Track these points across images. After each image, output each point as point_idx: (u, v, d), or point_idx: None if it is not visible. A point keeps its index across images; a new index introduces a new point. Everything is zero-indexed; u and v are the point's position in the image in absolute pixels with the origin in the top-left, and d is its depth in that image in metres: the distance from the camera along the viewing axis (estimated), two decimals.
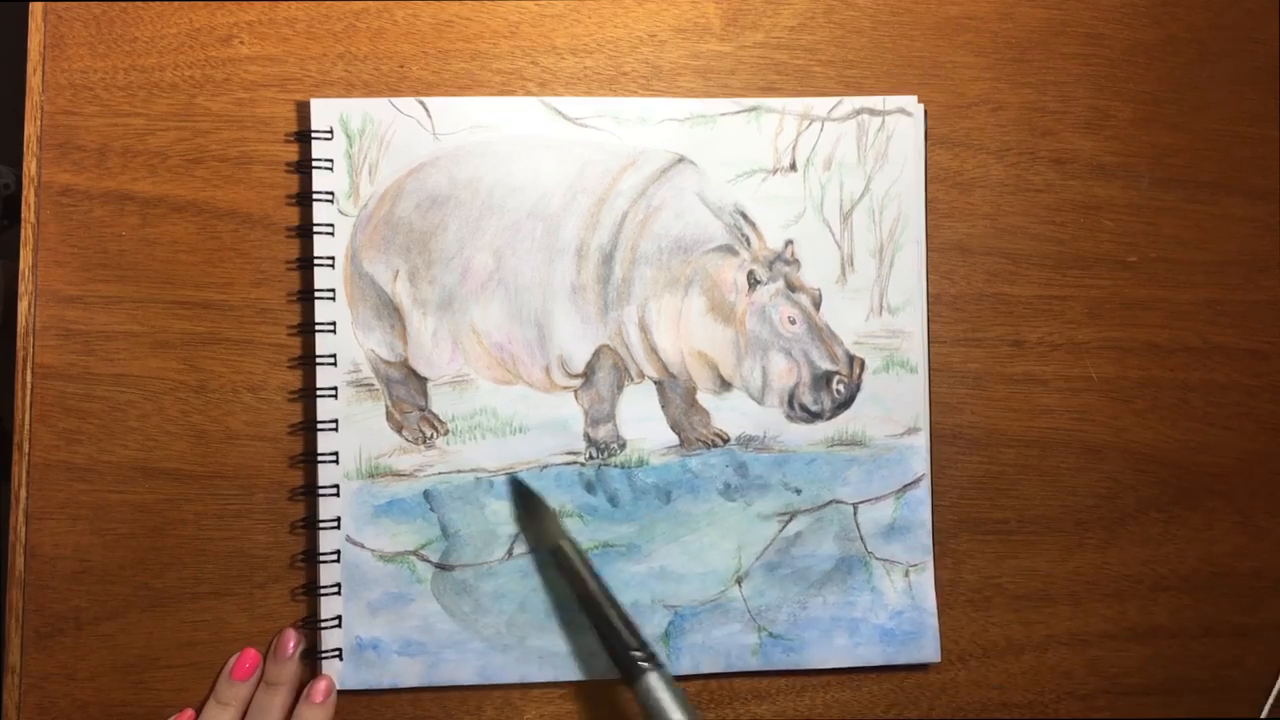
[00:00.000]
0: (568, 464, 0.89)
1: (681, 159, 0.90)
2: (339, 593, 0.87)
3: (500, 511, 0.89)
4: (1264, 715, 0.85)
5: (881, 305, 0.91)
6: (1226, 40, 0.97)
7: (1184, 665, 0.95)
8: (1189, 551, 0.95)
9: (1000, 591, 0.93)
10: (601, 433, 0.90)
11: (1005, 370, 0.94)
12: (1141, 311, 0.96)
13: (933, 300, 0.93)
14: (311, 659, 0.88)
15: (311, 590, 0.88)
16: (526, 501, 0.89)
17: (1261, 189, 0.97)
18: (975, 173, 0.94)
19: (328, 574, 0.87)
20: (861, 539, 0.91)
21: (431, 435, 0.88)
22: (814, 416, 0.91)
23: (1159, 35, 0.97)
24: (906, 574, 0.91)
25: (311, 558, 0.88)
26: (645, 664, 0.83)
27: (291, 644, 0.86)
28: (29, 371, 0.87)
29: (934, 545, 0.92)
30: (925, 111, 0.93)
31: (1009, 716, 0.93)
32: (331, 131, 0.89)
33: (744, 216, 0.91)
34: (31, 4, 0.89)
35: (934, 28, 0.95)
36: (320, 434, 0.88)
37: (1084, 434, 0.95)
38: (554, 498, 0.89)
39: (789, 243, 0.91)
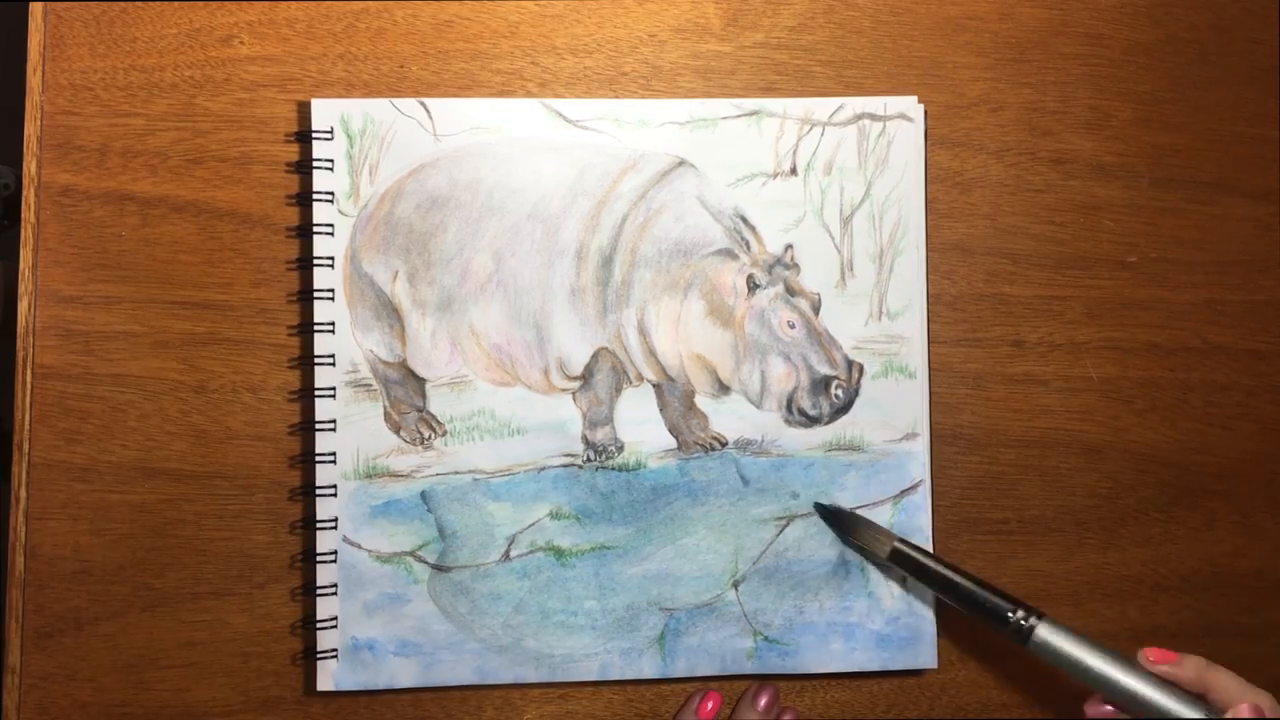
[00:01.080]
0: (565, 466, 0.89)
1: (682, 162, 0.90)
2: (335, 593, 0.87)
3: (497, 513, 0.89)
4: None
5: (881, 310, 0.91)
6: (1226, 40, 0.97)
7: None
8: (1189, 552, 0.95)
9: None
10: (599, 435, 0.90)
11: (1005, 370, 0.94)
12: (1141, 311, 0.95)
13: (932, 300, 0.93)
14: (308, 659, 0.88)
15: (309, 591, 0.88)
16: (841, 522, 0.90)
17: (1261, 189, 0.97)
18: (975, 173, 0.94)
19: (324, 574, 0.87)
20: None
21: (429, 436, 0.88)
22: (812, 421, 0.91)
23: (1159, 35, 0.97)
24: (904, 579, 0.91)
25: (309, 558, 0.88)
26: (1029, 620, 0.84)
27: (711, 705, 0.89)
28: (29, 371, 0.87)
29: (934, 547, 0.92)
30: (925, 112, 0.93)
31: (1009, 716, 0.93)
32: (332, 132, 0.88)
33: (744, 220, 0.90)
34: (31, 4, 0.89)
35: (934, 28, 0.95)
36: (318, 434, 0.88)
37: (1084, 434, 0.95)
38: (551, 499, 0.89)
39: (789, 247, 0.91)
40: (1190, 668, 0.80)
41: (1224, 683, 0.79)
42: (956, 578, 0.87)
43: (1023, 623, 0.84)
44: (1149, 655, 0.81)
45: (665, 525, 0.90)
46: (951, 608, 0.90)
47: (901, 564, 0.89)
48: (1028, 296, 0.94)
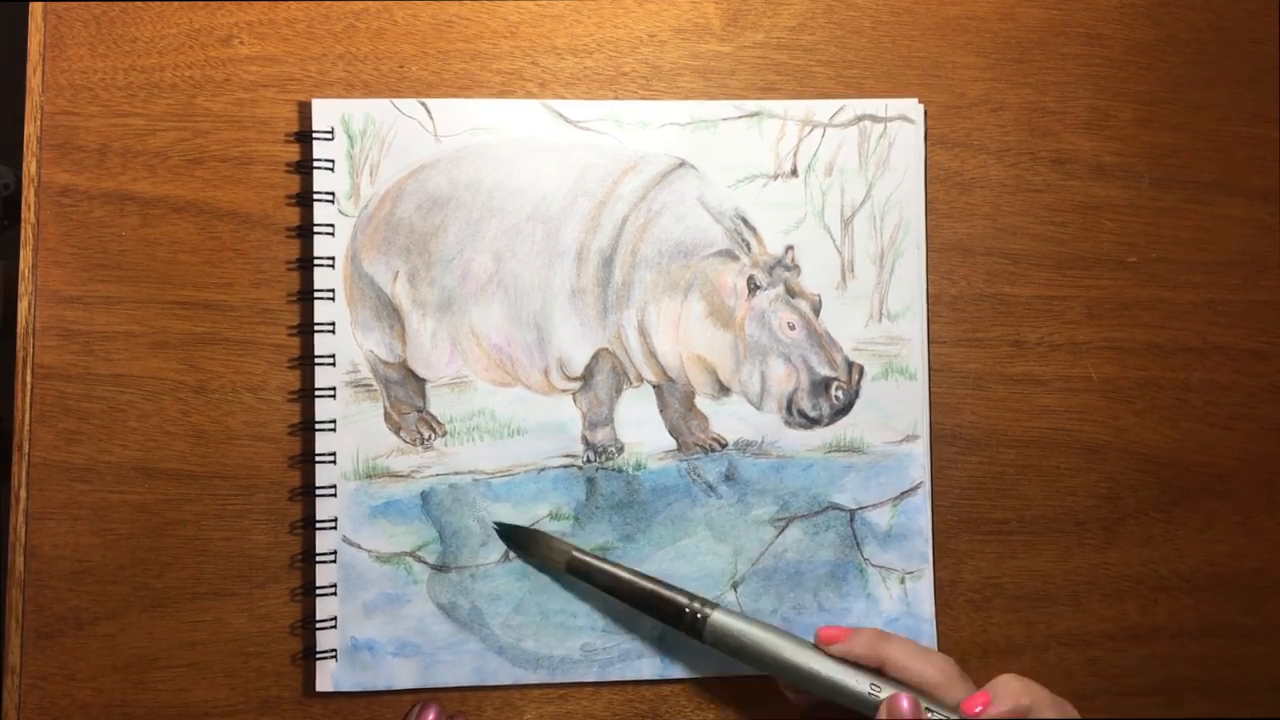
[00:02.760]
0: (565, 466, 0.89)
1: (682, 163, 0.90)
2: (335, 593, 0.87)
3: (497, 513, 0.89)
4: None
5: (881, 312, 0.91)
6: (1226, 40, 0.97)
7: (1184, 665, 0.95)
8: (1189, 551, 0.95)
9: (1000, 592, 0.93)
10: (599, 436, 0.90)
11: (1005, 370, 0.94)
12: (1141, 311, 0.95)
13: (933, 301, 0.93)
14: (307, 660, 0.88)
15: (309, 591, 0.88)
16: (518, 539, 0.90)
17: (1261, 189, 0.97)
18: (975, 173, 0.94)
19: (324, 574, 0.87)
20: (858, 546, 0.92)
21: (429, 436, 0.88)
22: (812, 422, 0.91)
23: (1159, 35, 0.97)
24: (902, 581, 0.91)
25: (309, 558, 0.88)
26: (703, 611, 0.84)
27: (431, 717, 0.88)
28: (29, 371, 0.87)
29: (933, 548, 0.92)
30: (925, 112, 0.93)
31: None
32: (333, 132, 0.89)
33: (744, 221, 0.91)
34: (31, 4, 0.89)
35: (934, 28, 0.95)
36: (318, 434, 0.88)
37: (1084, 434, 0.95)
38: (551, 500, 0.90)
39: (789, 248, 0.91)
40: (862, 643, 0.82)
41: (896, 654, 0.81)
42: (631, 578, 0.87)
43: (697, 615, 0.84)
44: (821, 634, 0.83)
45: (665, 526, 0.90)
46: (950, 612, 0.90)
47: (578, 573, 0.88)
48: (1028, 296, 0.94)
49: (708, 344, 0.90)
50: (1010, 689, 0.78)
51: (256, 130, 0.89)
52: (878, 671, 0.81)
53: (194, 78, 0.89)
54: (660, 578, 0.87)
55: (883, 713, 0.78)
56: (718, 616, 0.84)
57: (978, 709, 0.77)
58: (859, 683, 0.80)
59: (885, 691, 0.79)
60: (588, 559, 0.88)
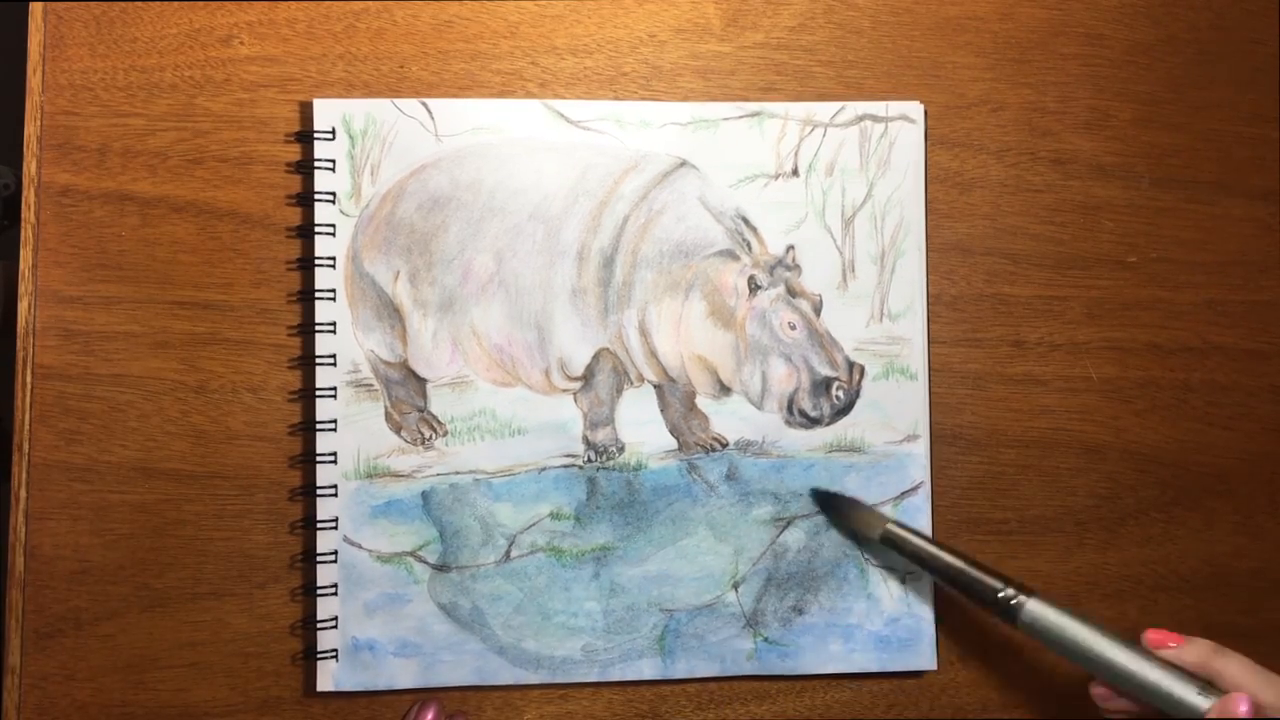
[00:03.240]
0: (566, 466, 0.89)
1: (683, 163, 0.90)
2: (336, 593, 0.87)
3: (498, 513, 0.89)
4: None
5: (882, 311, 0.91)
6: (1226, 40, 0.97)
7: None
8: (1189, 551, 0.95)
9: None
10: (600, 436, 0.90)
11: (1005, 370, 0.94)
12: (1141, 312, 0.95)
13: (933, 301, 0.93)
14: (308, 660, 0.88)
15: (310, 591, 0.88)
16: (836, 506, 0.91)
17: (1261, 189, 0.97)
18: (975, 173, 0.94)
19: (325, 574, 0.87)
20: (859, 544, 0.92)
21: (430, 436, 0.88)
22: (813, 422, 0.91)
23: (1159, 35, 0.97)
24: (903, 581, 0.91)
25: (310, 558, 0.88)
26: (1018, 597, 0.83)
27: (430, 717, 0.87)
28: (29, 371, 0.87)
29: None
30: (925, 112, 0.93)
31: (1009, 716, 0.93)
32: (333, 132, 0.88)
33: (745, 221, 0.91)
34: (31, 4, 0.89)
35: (934, 28, 0.95)
36: (319, 434, 0.88)
37: (1084, 434, 0.95)
38: (552, 500, 0.89)
39: (790, 248, 0.91)
40: (1195, 652, 0.79)
41: (1233, 669, 0.77)
42: (948, 556, 0.87)
43: (1011, 600, 0.83)
44: (1150, 637, 0.80)
45: (666, 526, 0.90)
46: (950, 609, 0.90)
47: (893, 545, 0.89)
48: (1028, 296, 0.94)
49: (709, 344, 0.90)
50: None
51: (257, 130, 0.89)
52: (1207, 683, 0.78)
53: (194, 78, 0.89)
54: (982, 562, 0.87)
55: (1215, 710, 0.75)
56: (1035, 605, 0.83)
57: None
58: (1186, 686, 0.77)
59: (1214, 698, 0.76)
60: (904, 533, 0.88)
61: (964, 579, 0.86)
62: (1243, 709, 0.74)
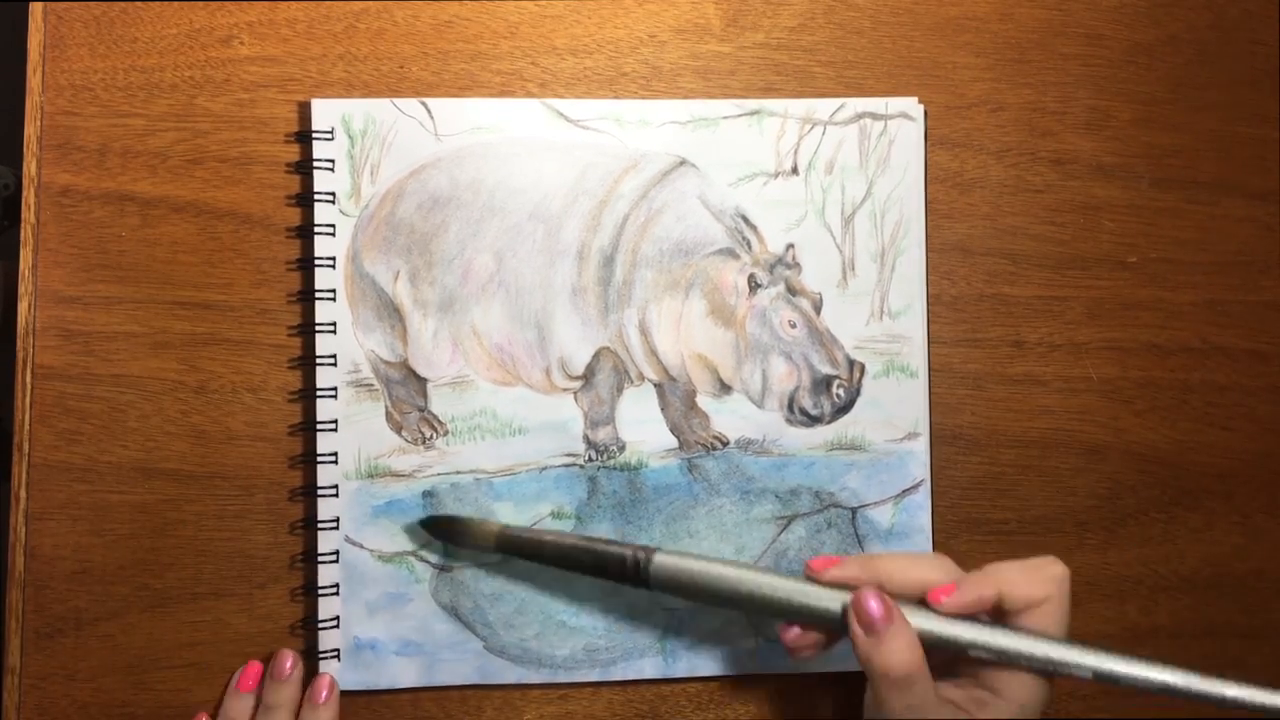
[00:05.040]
0: (567, 466, 0.89)
1: (683, 162, 0.90)
2: (337, 593, 0.87)
3: (500, 513, 0.89)
4: None
5: (882, 310, 0.91)
6: (1226, 40, 0.97)
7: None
8: (1189, 552, 0.95)
9: None
10: (601, 435, 0.90)
11: (1005, 371, 0.94)
12: (1141, 312, 0.95)
13: (932, 301, 0.93)
14: (310, 660, 0.88)
15: (310, 591, 0.88)
16: (442, 531, 0.88)
17: (1261, 189, 0.97)
18: (975, 173, 0.94)
19: (326, 574, 0.87)
20: (860, 543, 0.91)
21: (431, 436, 0.88)
22: (813, 420, 0.91)
23: (1159, 35, 0.97)
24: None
25: (310, 558, 0.88)
26: (645, 555, 0.82)
27: (289, 665, 0.86)
28: (29, 372, 0.87)
29: (934, 548, 0.92)
30: (925, 112, 0.93)
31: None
32: (333, 132, 0.88)
33: (745, 220, 0.90)
34: (31, 4, 0.89)
35: (934, 28, 0.95)
36: (320, 434, 0.88)
37: (1084, 434, 0.95)
38: (553, 499, 0.89)
39: (790, 246, 0.91)
40: (854, 565, 0.79)
41: (889, 566, 0.78)
42: (569, 540, 0.85)
43: (639, 562, 0.82)
44: (811, 564, 0.80)
45: (667, 525, 0.90)
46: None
47: (509, 549, 0.87)
48: (1028, 297, 0.94)
49: (709, 342, 0.90)
50: (979, 580, 0.77)
51: (256, 130, 0.89)
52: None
53: (194, 78, 0.89)
54: (602, 537, 0.87)
55: (850, 617, 0.76)
56: (661, 557, 0.82)
57: (942, 599, 0.76)
58: (833, 597, 0.78)
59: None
60: (519, 532, 0.87)
61: (588, 557, 0.84)
62: (870, 604, 0.75)
